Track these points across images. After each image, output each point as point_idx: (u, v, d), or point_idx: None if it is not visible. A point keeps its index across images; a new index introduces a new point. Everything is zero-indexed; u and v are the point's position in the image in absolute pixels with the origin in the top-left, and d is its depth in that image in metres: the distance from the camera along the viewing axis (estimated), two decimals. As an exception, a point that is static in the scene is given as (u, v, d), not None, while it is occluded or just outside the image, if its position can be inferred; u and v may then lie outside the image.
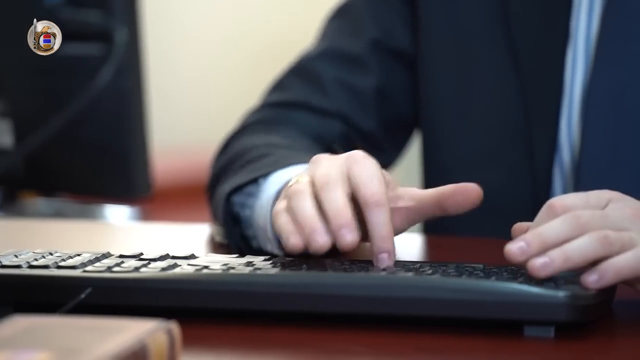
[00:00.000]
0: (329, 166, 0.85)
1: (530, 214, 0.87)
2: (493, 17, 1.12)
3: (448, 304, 0.77)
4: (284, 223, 0.82)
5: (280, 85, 1.19)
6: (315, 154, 1.05)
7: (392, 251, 0.82)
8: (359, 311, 0.78)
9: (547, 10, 1.10)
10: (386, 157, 1.18)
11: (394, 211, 0.85)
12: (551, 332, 0.76)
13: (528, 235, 0.78)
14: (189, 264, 0.83)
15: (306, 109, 1.15)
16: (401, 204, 0.85)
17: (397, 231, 0.87)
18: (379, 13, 1.16)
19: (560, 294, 0.76)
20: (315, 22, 1.23)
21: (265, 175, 0.98)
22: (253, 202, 0.99)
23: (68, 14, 1.19)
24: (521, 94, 1.11)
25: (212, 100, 2.89)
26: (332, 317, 0.79)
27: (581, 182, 1.08)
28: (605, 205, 0.80)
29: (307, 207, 0.82)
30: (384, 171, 0.85)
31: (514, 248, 0.77)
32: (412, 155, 1.24)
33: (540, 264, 0.76)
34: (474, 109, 1.13)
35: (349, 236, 0.81)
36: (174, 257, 0.85)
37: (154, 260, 0.84)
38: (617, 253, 0.78)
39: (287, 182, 0.93)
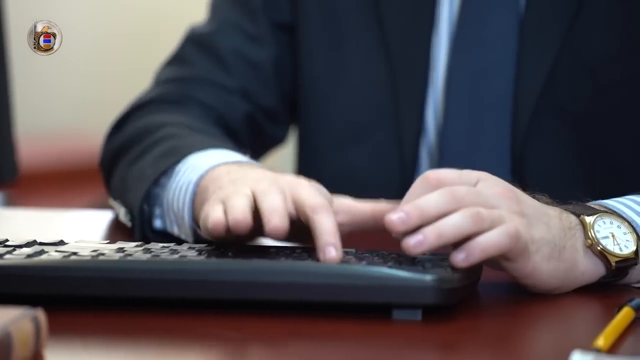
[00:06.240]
0: (270, 183, 0.87)
1: (397, 195, 0.89)
2: (364, 0, 1.13)
3: (319, 288, 0.77)
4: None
5: (179, 58, 1.17)
6: (224, 139, 1.04)
7: (338, 245, 0.81)
8: (231, 296, 0.78)
9: None
10: (282, 130, 1.19)
11: None
12: (418, 315, 0.77)
13: (407, 207, 0.79)
14: (56, 251, 0.81)
15: (209, 85, 1.15)
16: (338, 219, 0.86)
17: None
18: None
19: (427, 277, 0.77)
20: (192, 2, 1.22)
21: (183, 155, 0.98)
22: (166, 180, 0.98)
23: None
24: (390, 76, 1.13)
25: (80, 84, 2.83)
26: (204, 303, 0.78)
27: (443, 165, 1.10)
28: (476, 183, 0.82)
29: (241, 203, 0.84)
30: (322, 189, 0.87)
31: (394, 218, 0.79)
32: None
33: (414, 242, 0.78)
34: (345, 89, 1.15)
35: (282, 223, 0.83)
36: (41, 244, 0.83)
37: (20, 246, 0.82)
38: (488, 230, 0.80)
39: (211, 168, 0.92)
